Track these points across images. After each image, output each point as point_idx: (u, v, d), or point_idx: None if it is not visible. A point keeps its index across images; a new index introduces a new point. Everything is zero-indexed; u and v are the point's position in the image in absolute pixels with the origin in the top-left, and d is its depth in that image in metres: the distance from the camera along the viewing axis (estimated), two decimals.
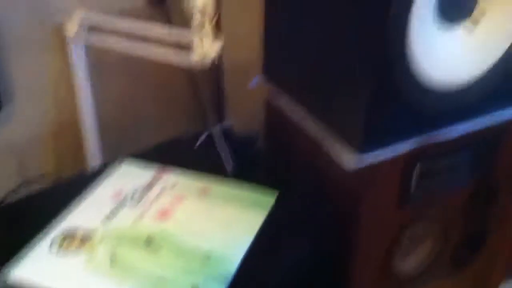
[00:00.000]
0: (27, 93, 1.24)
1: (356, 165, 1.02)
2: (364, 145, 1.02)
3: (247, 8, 1.38)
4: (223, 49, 1.04)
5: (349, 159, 1.03)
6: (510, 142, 1.20)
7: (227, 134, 1.37)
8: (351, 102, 1.02)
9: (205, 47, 1.00)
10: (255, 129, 1.38)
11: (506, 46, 1.08)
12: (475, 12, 1.06)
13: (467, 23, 1.06)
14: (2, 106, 1.20)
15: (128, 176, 1.12)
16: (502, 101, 1.14)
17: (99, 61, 1.26)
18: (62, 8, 1.19)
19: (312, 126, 1.11)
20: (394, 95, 0.99)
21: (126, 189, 1.07)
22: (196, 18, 0.99)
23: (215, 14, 1.01)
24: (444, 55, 1.03)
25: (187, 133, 1.37)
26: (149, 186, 1.09)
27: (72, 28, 1.16)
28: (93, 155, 1.29)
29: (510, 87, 1.13)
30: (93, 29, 1.18)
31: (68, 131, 1.32)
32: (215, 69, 1.51)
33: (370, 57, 0.96)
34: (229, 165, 1.17)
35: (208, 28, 1.00)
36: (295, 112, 1.15)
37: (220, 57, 1.41)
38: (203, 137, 1.32)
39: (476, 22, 1.06)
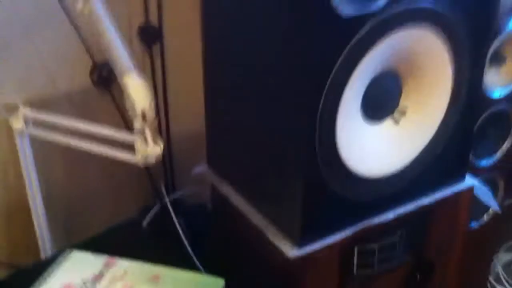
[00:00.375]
0: None
1: (296, 254, 1.08)
2: (302, 236, 1.08)
3: (192, 101, 1.43)
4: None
5: (289, 249, 1.08)
6: (438, 221, 1.27)
7: (179, 205, 1.42)
8: (287, 195, 1.08)
9: (146, 150, 1.04)
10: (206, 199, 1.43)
11: (428, 139, 1.15)
12: (398, 109, 1.13)
13: (391, 119, 1.12)
14: None
15: (77, 267, 1.14)
16: (428, 185, 1.23)
17: (46, 146, 1.29)
18: (7, 103, 1.22)
19: (254, 215, 1.16)
20: (326, 188, 1.07)
21: (75, 282, 1.10)
22: (137, 122, 1.03)
23: (155, 118, 1.06)
24: (371, 147, 1.11)
25: (138, 210, 1.41)
26: (99, 277, 1.12)
27: (17, 123, 1.19)
28: (44, 240, 1.32)
29: (434, 172, 1.21)
30: (37, 123, 1.22)
31: (18, 216, 1.35)
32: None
33: (301, 151, 1.02)
34: (181, 238, 1.21)
35: (149, 132, 1.04)
36: (238, 201, 1.21)
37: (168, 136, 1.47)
38: (153, 212, 1.36)
39: (399, 118, 1.13)
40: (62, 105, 1.42)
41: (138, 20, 1.48)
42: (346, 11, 0.93)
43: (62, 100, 1.42)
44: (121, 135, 1.07)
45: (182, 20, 1.48)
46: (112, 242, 1.22)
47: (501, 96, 1.48)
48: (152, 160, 1.05)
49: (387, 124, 1.14)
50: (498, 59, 1.47)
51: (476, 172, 1.53)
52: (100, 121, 1.31)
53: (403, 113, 1.14)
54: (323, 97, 0.97)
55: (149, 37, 1.50)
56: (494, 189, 1.65)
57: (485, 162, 1.56)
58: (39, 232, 1.31)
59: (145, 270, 1.12)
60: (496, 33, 1.38)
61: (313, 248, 1.10)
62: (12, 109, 1.19)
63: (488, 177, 1.60)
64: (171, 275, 1.10)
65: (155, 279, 1.10)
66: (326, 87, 0.97)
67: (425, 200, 1.22)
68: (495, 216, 1.64)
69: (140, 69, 1.48)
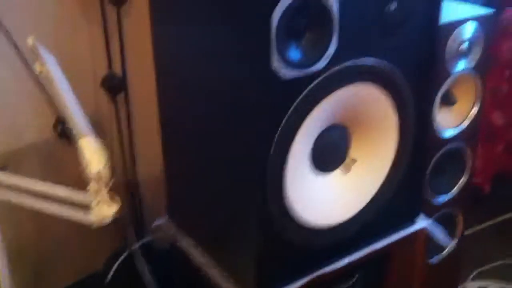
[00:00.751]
0: None
1: None
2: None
3: (159, 148, 1.47)
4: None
5: None
6: (395, 262, 1.31)
7: (148, 251, 1.44)
8: (242, 248, 1.13)
9: (102, 211, 1.07)
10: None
11: (378, 186, 1.19)
12: (348, 159, 1.17)
13: (341, 169, 1.17)
14: None
15: None
16: (382, 229, 1.28)
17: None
18: None
19: (212, 268, 1.20)
20: (279, 239, 1.11)
21: None
22: (92, 184, 1.06)
23: (111, 179, 1.08)
24: (323, 197, 1.16)
25: (107, 258, 1.43)
26: None
27: None
28: None
29: (387, 216, 1.26)
30: None
31: None
32: (133, 187, 1.59)
33: (253, 205, 1.06)
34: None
35: (104, 193, 1.07)
36: (197, 254, 1.24)
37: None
38: (121, 259, 1.38)
39: (349, 168, 1.17)
40: (29, 157, 1.45)
41: (102, 71, 1.52)
42: (287, 74, 0.98)
43: (29, 152, 1.45)
44: (77, 196, 1.10)
45: (145, 68, 1.52)
46: None
47: (454, 135, 1.52)
48: (108, 220, 1.08)
49: (338, 174, 1.18)
50: (449, 100, 1.52)
51: (435, 208, 1.58)
52: (67, 173, 1.35)
53: (353, 162, 1.18)
54: (270, 153, 1.01)
55: (114, 87, 1.54)
56: (453, 223, 1.69)
57: (443, 198, 1.60)
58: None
59: None
60: (446, 75, 1.43)
61: None
62: None
63: (447, 212, 1.64)
64: None
65: None
66: (273, 144, 1.01)
67: (379, 244, 1.26)
68: (456, 248, 1.69)
69: (106, 119, 1.53)
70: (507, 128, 2.02)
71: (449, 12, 1.41)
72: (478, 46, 1.46)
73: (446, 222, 1.62)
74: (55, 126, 1.46)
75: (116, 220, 1.52)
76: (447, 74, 1.43)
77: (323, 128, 1.11)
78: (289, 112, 1.00)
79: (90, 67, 1.50)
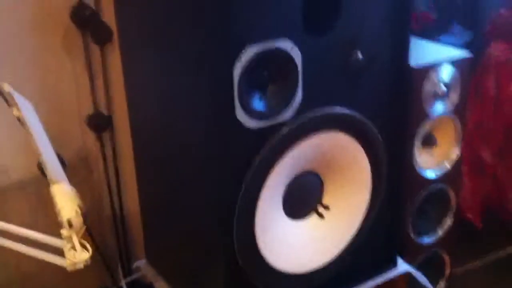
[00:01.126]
0: None
1: None
2: None
3: None
4: None
5: None
6: None
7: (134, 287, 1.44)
8: None
9: (74, 257, 1.08)
10: None
11: (353, 231, 1.19)
12: (322, 205, 1.17)
13: (315, 215, 1.17)
14: None
15: None
16: (359, 274, 1.29)
17: None
18: None
19: None
20: (249, 285, 1.09)
21: None
22: (64, 230, 1.07)
23: (82, 227, 1.10)
24: (296, 244, 1.16)
25: None
26: None
27: None
28: None
29: (364, 262, 1.26)
30: None
31: None
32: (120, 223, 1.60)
33: (222, 252, 1.07)
34: None
35: (76, 239, 1.08)
36: None
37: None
38: None
39: (323, 214, 1.18)
40: (15, 194, 1.46)
41: (87, 109, 1.54)
42: (252, 124, 0.99)
43: (15, 189, 1.47)
44: (52, 241, 1.11)
45: None
46: None
47: (436, 177, 1.52)
48: (80, 265, 1.09)
49: (311, 220, 1.18)
50: (430, 141, 1.52)
51: (421, 249, 1.57)
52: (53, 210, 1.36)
53: (327, 208, 1.18)
54: (239, 201, 1.02)
55: (99, 125, 1.56)
56: (439, 264, 1.68)
57: (429, 240, 1.60)
58: None
59: None
60: (423, 117, 1.44)
61: None
62: None
63: (435, 253, 1.63)
64: None
65: None
66: (241, 192, 1.01)
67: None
68: None
69: (93, 156, 1.54)
70: (494, 163, 2.01)
71: (426, 55, 1.42)
72: (455, 89, 1.46)
73: (435, 262, 1.62)
74: (39, 165, 1.47)
75: (104, 256, 1.54)
76: (425, 117, 1.44)
77: (294, 175, 1.11)
78: (257, 161, 1.01)
79: (76, 106, 1.52)
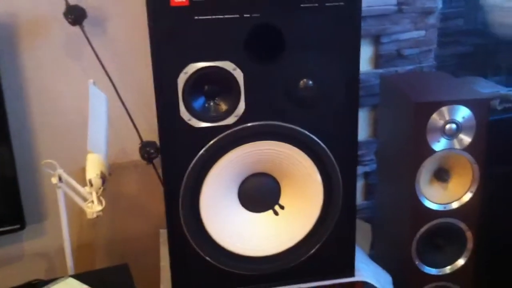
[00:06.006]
0: None
1: None
2: None
3: None
4: None
5: None
6: None
7: None
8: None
9: (91, 208, 1.48)
10: None
11: (305, 233, 1.40)
12: (276, 206, 1.41)
13: (271, 211, 1.41)
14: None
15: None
16: (312, 273, 1.45)
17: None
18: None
19: None
20: (199, 262, 1.38)
21: None
22: (87, 187, 1.49)
23: (101, 188, 1.49)
24: (250, 231, 1.40)
25: None
26: None
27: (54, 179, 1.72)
28: None
29: (318, 263, 1.43)
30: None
31: None
32: None
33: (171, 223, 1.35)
34: None
35: (94, 196, 1.48)
36: None
37: None
38: None
39: (278, 212, 1.41)
40: (130, 170, 1.85)
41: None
42: (195, 123, 1.29)
43: (131, 166, 1.85)
44: (86, 194, 1.52)
45: None
46: None
47: (444, 210, 1.60)
48: (94, 215, 1.48)
49: (268, 214, 1.41)
50: (441, 177, 1.61)
51: (428, 278, 1.66)
52: (148, 183, 1.80)
53: (282, 208, 1.42)
54: (181, 190, 1.31)
55: (149, 153, 1.76)
56: None
57: (435, 271, 1.67)
58: None
59: None
60: (428, 152, 1.55)
61: None
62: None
63: (444, 286, 1.69)
64: None
65: None
66: (184, 178, 1.31)
67: (306, 285, 1.43)
68: None
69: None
70: None
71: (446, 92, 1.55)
72: (469, 128, 1.54)
73: None
74: (140, 149, 1.88)
75: None
76: (429, 152, 1.55)
77: (247, 174, 1.37)
78: (201, 151, 1.30)
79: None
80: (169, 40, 1.22)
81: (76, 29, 1.61)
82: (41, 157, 1.73)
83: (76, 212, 1.71)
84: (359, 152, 1.88)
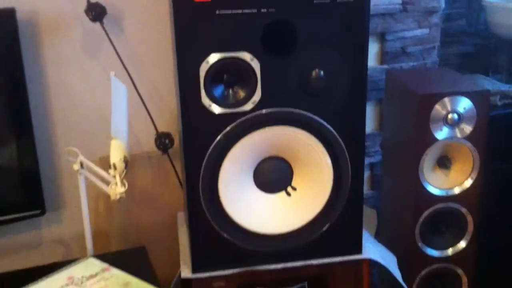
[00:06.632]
0: None
1: (187, 276, 1.52)
2: (194, 264, 1.52)
3: None
4: None
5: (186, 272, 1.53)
6: (339, 284, 1.58)
7: None
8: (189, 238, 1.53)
9: (115, 190, 1.59)
10: None
11: (315, 213, 1.51)
12: (288, 188, 1.51)
13: (284, 192, 1.51)
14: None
15: (84, 267, 1.57)
16: (322, 251, 1.55)
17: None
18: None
19: None
20: (214, 232, 1.48)
21: (76, 276, 1.54)
22: (110, 171, 1.60)
23: (124, 171, 1.60)
24: (264, 210, 1.50)
25: None
26: (92, 277, 1.54)
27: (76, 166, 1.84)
28: None
29: (328, 241, 1.54)
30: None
31: None
32: None
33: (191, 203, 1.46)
34: None
35: (118, 178, 1.59)
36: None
37: None
38: None
39: (291, 193, 1.52)
40: (143, 160, 1.94)
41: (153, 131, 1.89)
42: (215, 109, 1.41)
43: (144, 157, 1.93)
44: (108, 177, 1.63)
45: None
46: None
47: (446, 196, 1.71)
48: (117, 197, 1.58)
49: (281, 195, 1.52)
50: (443, 164, 1.72)
51: (430, 260, 1.76)
52: (164, 173, 1.90)
53: (294, 189, 1.53)
54: (201, 171, 1.42)
55: (165, 143, 1.88)
56: (456, 282, 1.83)
57: (437, 254, 1.78)
58: None
59: (121, 278, 1.54)
60: (430, 140, 1.66)
61: (208, 275, 1.51)
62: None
63: (445, 269, 1.80)
64: (137, 284, 1.51)
65: (126, 285, 1.53)
66: (204, 161, 1.42)
67: (316, 261, 1.54)
68: None
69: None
70: None
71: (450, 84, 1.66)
72: (469, 119, 1.64)
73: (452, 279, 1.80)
74: (155, 140, 1.98)
75: None
76: (432, 140, 1.65)
77: (262, 157, 1.48)
78: (220, 135, 1.41)
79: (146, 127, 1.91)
80: (192, 33, 1.33)
81: (95, 26, 1.72)
82: (60, 148, 1.84)
83: (92, 200, 1.82)
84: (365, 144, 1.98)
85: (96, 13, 1.69)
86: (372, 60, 2.03)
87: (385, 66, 2.02)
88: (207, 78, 1.36)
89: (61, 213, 1.91)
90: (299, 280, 1.57)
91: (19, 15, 1.60)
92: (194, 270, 1.51)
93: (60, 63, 1.78)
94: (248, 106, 1.40)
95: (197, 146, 1.42)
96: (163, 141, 1.84)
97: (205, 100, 1.38)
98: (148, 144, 1.89)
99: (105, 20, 1.71)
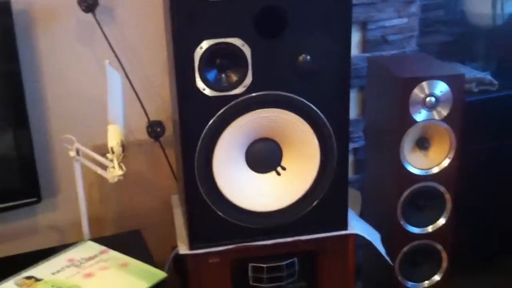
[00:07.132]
0: None
1: (185, 252, 1.60)
2: (191, 241, 1.60)
3: None
4: None
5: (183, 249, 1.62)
6: (326, 258, 1.68)
7: None
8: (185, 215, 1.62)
9: (113, 173, 1.66)
10: None
11: (303, 192, 1.59)
12: (278, 168, 1.60)
13: (274, 172, 1.60)
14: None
15: (83, 250, 1.64)
16: (309, 227, 1.64)
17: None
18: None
19: None
20: (209, 210, 1.56)
21: (75, 258, 1.61)
22: (108, 154, 1.67)
23: (121, 154, 1.67)
24: (255, 189, 1.58)
25: None
26: (91, 258, 1.60)
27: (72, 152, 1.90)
28: None
29: (315, 218, 1.62)
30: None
31: None
32: None
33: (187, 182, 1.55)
34: None
35: (115, 162, 1.66)
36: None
37: None
38: None
39: (279, 174, 1.61)
40: (135, 148, 1.99)
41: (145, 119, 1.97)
42: (209, 92, 1.49)
43: (136, 145, 1.99)
44: (105, 161, 1.70)
45: None
46: None
47: (425, 175, 1.81)
48: (115, 180, 1.65)
49: (271, 175, 1.60)
50: (422, 145, 1.82)
51: (411, 237, 1.86)
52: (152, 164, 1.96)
53: (284, 169, 1.61)
54: (197, 152, 1.50)
55: (156, 131, 1.96)
56: (436, 257, 1.93)
57: (418, 231, 1.88)
58: None
59: (119, 259, 1.62)
60: (409, 123, 1.76)
61: (204, 251, 1.59)
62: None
63: (427, 244, 1.89)
64: (135, 264, 1.59)
65: (124, 265, 1.60)
66: (199, 142, 1.50)
67: (305, 237, 1.62)
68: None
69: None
70: None
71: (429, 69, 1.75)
72: (446, 101, 1.74)
73: (434, 255, 1.90)
74: (147, 128, 2.05)
75: None
76: (411, 122, 1.75)
77: (254, 138, 1.55)
78: (213, 118, 1.50)
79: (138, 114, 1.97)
80: (188, 20, 1.41)
81: (88, 16, 1.78)
82: (55, 136, 1.89)
83: (86, 187, 1.85)
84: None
85: (89, 4, 1.75)
86: (354, 48, 2.11)
87: (367, 54, 2.11)
88: (201, 63, 1.44)
89: (57, 200, 1.97)
90: (289, 255, 1.65)
91: (14, 6, 1.64)
92: (191, 246, 1.59)
93: (55, 53, 1.83)
94: (240, 90, 1.48)
95: (192, 128, 1.49)
96: (154, 129, 1.92)
97: (200, 83, 1.46)
98: (140, 132, 1.95)
99: (97, 11, 1.77)
